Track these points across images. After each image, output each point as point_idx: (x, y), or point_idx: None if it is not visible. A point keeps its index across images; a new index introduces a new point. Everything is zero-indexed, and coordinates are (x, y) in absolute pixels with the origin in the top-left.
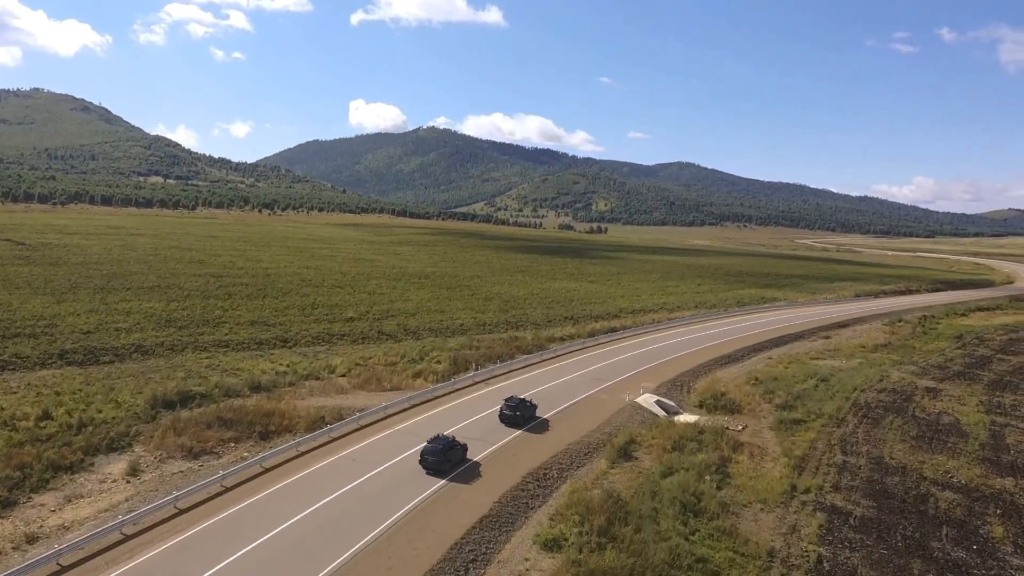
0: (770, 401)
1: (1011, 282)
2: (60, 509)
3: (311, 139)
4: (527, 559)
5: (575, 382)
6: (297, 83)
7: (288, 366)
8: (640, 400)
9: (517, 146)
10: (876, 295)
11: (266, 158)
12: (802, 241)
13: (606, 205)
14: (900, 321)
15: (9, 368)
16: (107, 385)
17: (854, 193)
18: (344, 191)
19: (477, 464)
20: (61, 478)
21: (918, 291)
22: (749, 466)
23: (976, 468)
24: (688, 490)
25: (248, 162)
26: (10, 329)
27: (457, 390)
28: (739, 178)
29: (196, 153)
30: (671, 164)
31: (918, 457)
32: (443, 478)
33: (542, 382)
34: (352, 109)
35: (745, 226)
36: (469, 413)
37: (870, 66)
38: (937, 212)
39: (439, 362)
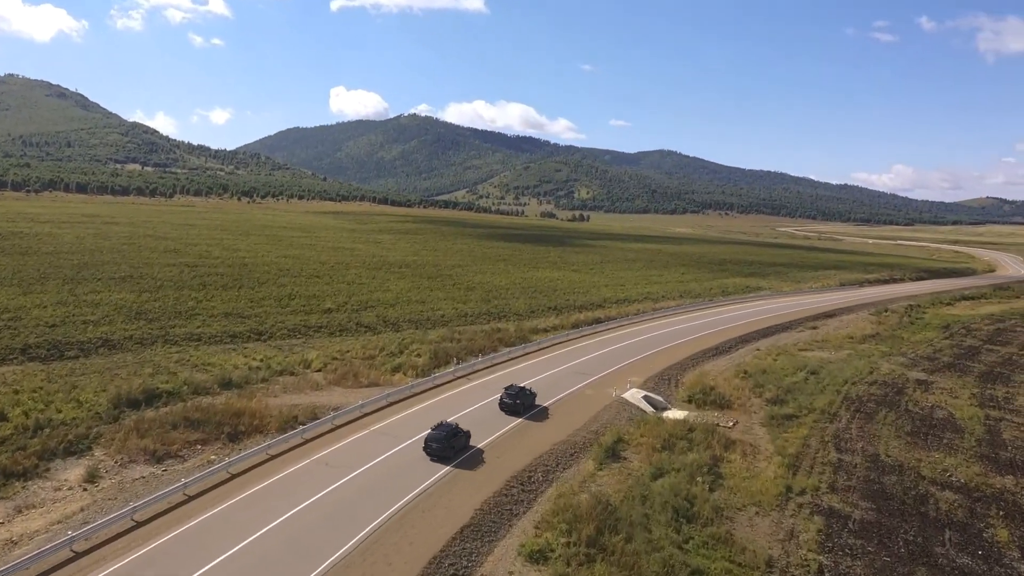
0: (760, 395)
1: (992, 270)
2: (9, 521)
3: (291, 126)
4: (511, 572)
5: (560, 377)
6: (277, 70)
7: (262, 361)
8: (627, 395)
9: (499, 133)
10: (861, 284)
11: (246, 145)
12: (784, 229)
13: (588, 193)
14: (887, 311)
15: None
16: (70, 383)
17: (834, 181)
18: (325, 179)
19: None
20: (13, 485)
21: (902, 280)
22: (742, 466)
23: (975, 466)
24: (680, 493)
25: (228, 149)
26: None
27: (437, 386)
28: (721, 166)
29: (175, 140)
30: (653, 152)
31: (914, 454)
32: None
33: (526, 377)
34: (333, 96)
35: (727, 214)
36: (450, 411)
37: (850, 54)
38: (916, 200)
39: (419, 355)
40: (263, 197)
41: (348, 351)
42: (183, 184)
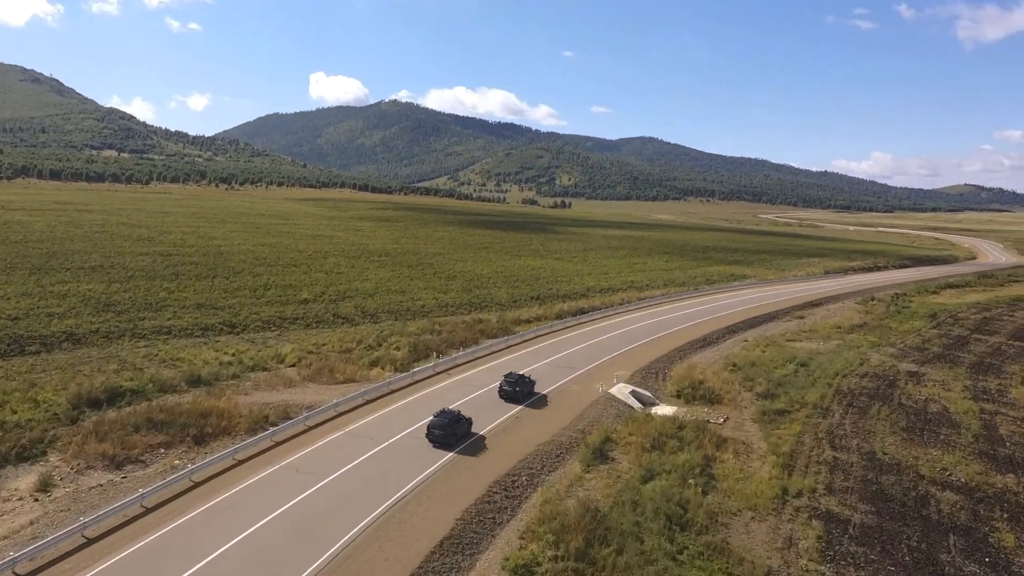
0: (750, 389)
1: (973, 257)
2: None
3: (271, 112)
4: None
5: (544, 371)
6: (256, 55)
7: (233, 355)
8: (614, 391)
9: (480, 120)
10: (845, 272)
11: (225, 131)
12: (765, 216)
13: (570, 180)
14: (873, 300)
15: None
16: (28, 380)
17: (814, 168)
18: (305, 165)
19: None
20: None
21: (886, 267)
22: (735, 466)
23: (974, 464)
24: (672, 499)
25: (206, 135)
26: None
27: (417, 382)
28: (702, 153)
29: (152, 126)
30: (634, 139)
31: (911, 452)
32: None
33: (508, 371)
34: (312, 82)
35: (708, 200)
36: (429, 409)
37: (830, 42)
38: (895, 187)
39: (398, 348)
40: (242, 184)
41: (324, 344)
42: (160, 171)
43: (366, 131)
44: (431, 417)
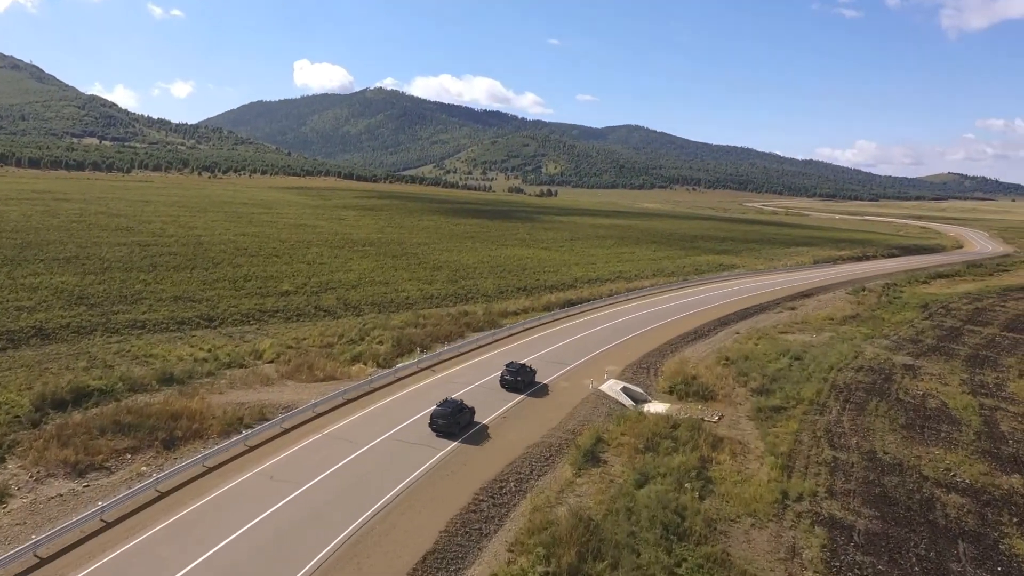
0: (745, 385)
1: (960, 246)
2: None
3: (255, 100)
4: None
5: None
6: (240, 42)
7: (209, 351)
8: (605, 387)
9: (466, 108)
10: (835, 261)
11: (208, 119)
12: (751, 204)
13: (556, 168)
14: (864, 290)
15: None
16: None
17: (799, 156)
18: (289, 153)
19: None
20: None
21: (874, 257)
22: (732, 467)
23: (978, 464)
24: (668, 505)
25: (189, 123)
26: None
27: (400, 379)
28: (688, 141)
29: (134, 114)
30: (620, 127)
31: (913, 451)
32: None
33: (496, 367)
34: (297, 69)
35: (694, 189)
36: (413, 409)
37: (815, 30)
38: (879, 176)
39: (381, 343)
40: (225, 172)
41: (305, 338)
42: (142, 159)
43: (351, 119)
44: (434, 407)
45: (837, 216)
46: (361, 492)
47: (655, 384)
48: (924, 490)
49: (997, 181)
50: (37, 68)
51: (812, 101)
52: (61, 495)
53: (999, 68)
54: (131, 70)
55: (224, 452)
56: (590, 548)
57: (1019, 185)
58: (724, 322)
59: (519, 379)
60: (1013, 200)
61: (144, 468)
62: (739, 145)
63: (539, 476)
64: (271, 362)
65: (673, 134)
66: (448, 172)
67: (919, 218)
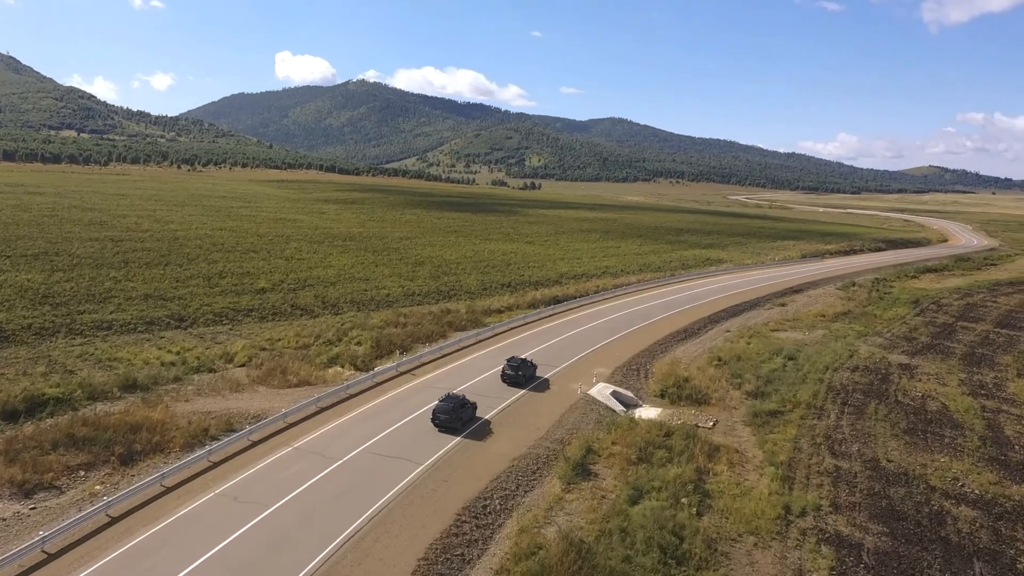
0: (739, 387)
1: (945, 240)
2: None
3: (236, 92)
4: None
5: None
6: (220, 34)
7: (178, 354)
8: (594, 392)
9: (449, 100)
10: (822, 256)
11: (189, 111)
12: (734, 197)
13: (540, 161)
14: (854, 285)
15: None
16: None
17: (782, 150)
18: (271, 146)
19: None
20: None
21: (861, 250)
22: (730, 479)
23: (986, 472)
24: (665, 525)
25: (169, 115)
26: None
27: (378, 384)
28: (671, 134)
29: (113, 106)
30: (604, 119)
31: (917, 458)
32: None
33: (480, 370)
34: (279, 61)
35: (678, 182)
36: (389, 420)
37: (798, 24)
38: (861, 169)
39: (359, 344)
40: (205, 165)
41: (280, 339)
42: (120, 152)
43: (333, 111)
44: (436, 402)
45: (820, 209)
46: (333, 514)
47: (646, 387)
48: (933, 502)
49: (977, 174)
50: (13, 59)
51: (794, 95)
52: (4, 519)
53: (979, 62)
54: (111, 62)
55: (185, 469)
56: None
57: (998, 178)
58: (714, 320)
59: (520, 374)
60: (993, 193)
61: (98, 487)
62: (722, 138)
63: (526, 492)
64: (242, 366)
65: (657, 127)
66: (431, 165)
67: (902, 211)
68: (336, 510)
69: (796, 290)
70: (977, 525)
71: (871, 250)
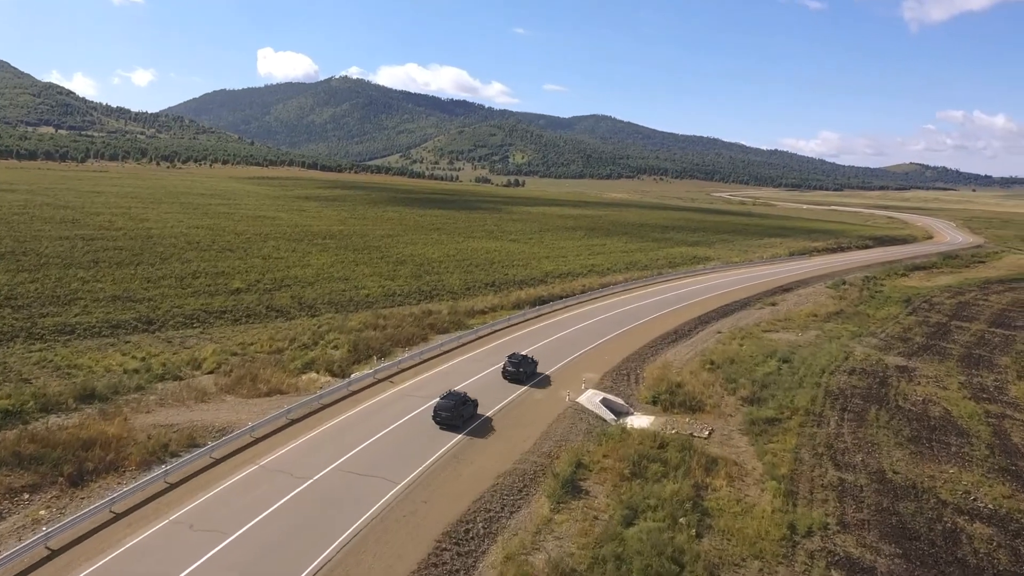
0: (733, 392)
1: (931, 237)
2: None
3: (218, 88)
4: None
5: (497, 379)
6: (202, 30)
7: (143, 360)
8: (583, 399)
9: (432, 97)
10: (810, 253)
11: (170, 108)
12: (718, 194)
13: (523, 158)
14: (844, 284)
15: None
16: None
17: (764, 147)
18: (252, 143)
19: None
20: None
21: (849, 248)
22: (729, 495)
23: (998, 485)
24: (663, 550)
25: (149, 112)
26: None
27: (353, 393)
28: (654, 131)
29: (92, 102)
30: (587, 117)
31: (924, 469)
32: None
33: (463, 375)
34: (260, 58)
35: (662, 179)
36: (363, 433)
37: (779, 21)
38: (843, 166)
39: (336, 347)
40: (184, 162)
41: (252, 343)
42: (98, 148)
43: (316, 108)
44: (437, 399)
45: (804, 206)
46: (299, 544)
47: (637, 393)
48: (946, 519)
49: (957, 171)
50: None
51: (777, 92)
52: None
53: (959, 60)
54: (90, 58)
55: (139, 491)
56: None
57: (978, 175)
58: (704, 320)
59: (521, 370)
60: (973, 190)
61: (43, 512)
62: (705, 135)
63: (512, 513)
64: (211, 373)
65: (640, 124)
66: (414, 162)
67: (885, 208)
68: (303, 539)
69: (786, 289)
70: (994, 544)
71: (858, 247)
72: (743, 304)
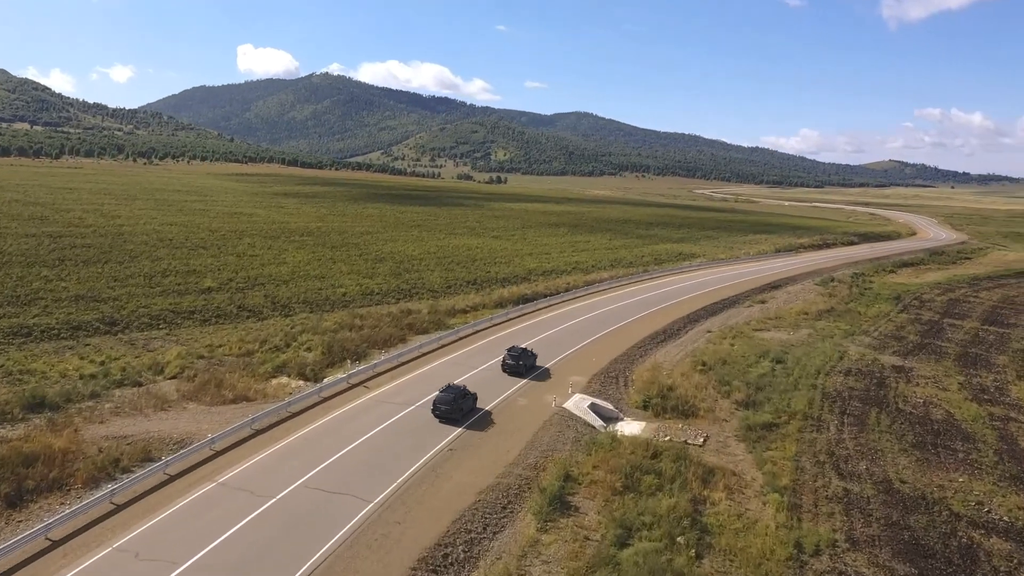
0: (727, 395)
1: (914, 233)
2: None
3: (198, 85)
4: None
5: (484, 379)
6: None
7: (101, 364)
8: (570, 405)
9: (414, 94)
10: (796, 250)
11: (149, 104)
12: (700, 191)
13: (505, 155)
14: (833, 281)
15: None
16: None
17: (745, 144)
18: (232, 139)
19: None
20: None
21: (834, 244)
22: (730, 510)
23: (1011, 495)
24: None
25: (128, 108)
26: None
27: (325, 400)
28: (636, 128)
29: (68, 98)
30: (569, 114)
31: (932, 477)
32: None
33: (443, 379)
34: (240, 54)
35: (644, 176)
36: (334, 445)
37: (760, 19)
38: (823, 163)
39: (309, 349)
40: (162, 158)
41: (221, 345)
42: (74, 144)
43: (297, 105)
44: (437, 392)
45: (786, 203)
46: (263, 572)
47: (626, 397)
48: (960, 533)
49: (936, 168)
50: None
51: (757, 89)
52: None
53: (936, 59)
54: (68, 54)
55: (82, 514)
56: None
57: (956, 172)
58: (693, 319)
59: (521, 363)
60: (952, 187)
61: None
62: (686, 132)
63: (495, 534)
64: (173, 378)
65: (621, 121)
66: (396, 159)
67: (866, 204)
68: (262, 568)
69: (774, 286)
70: (1015, 562)
71: (844, 244)
72: (732, 302)
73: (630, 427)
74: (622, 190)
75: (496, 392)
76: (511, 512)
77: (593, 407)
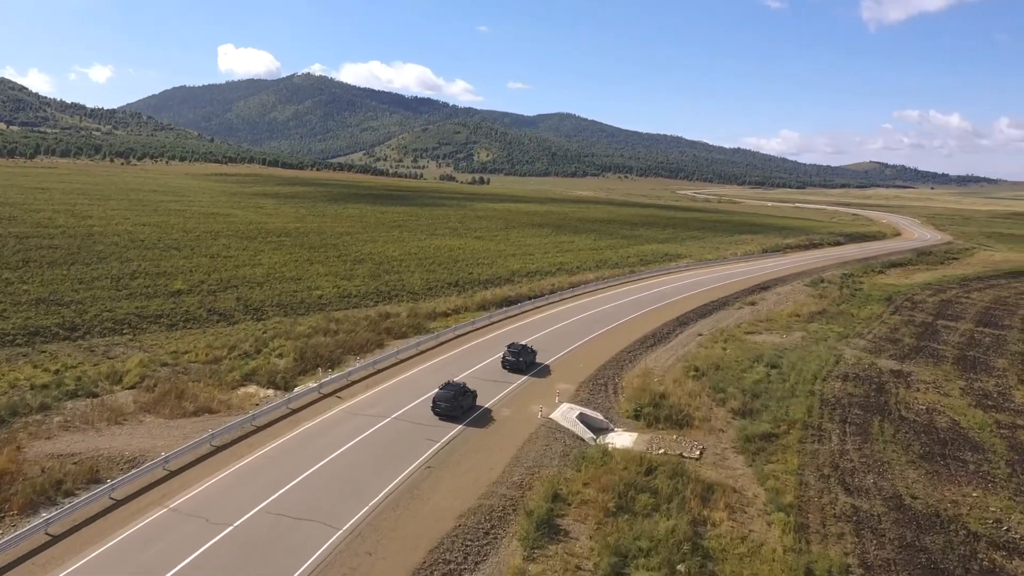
0: (723, 403)
1: (898, 234)
2: None
3: (178, 85)
4: None
5: (469, 385)
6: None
7: (56, 373)
8: (557, 415)
9: (396, 94)
10: (783, 250)
11: (128, 104)
12: (683, 192)
13: (488, 156)
14: (823, 282)
15: None
16: None
17: (727, 145)
18: (212, 140)
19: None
20: None
21: (821, 244)
22: (732, 532)
23: None
24: None
25: (106, 108)
26: None
27: (294, 412)
28: (619, 129)
29: (45, 97)
30: (552, 115)
31: (944, 493)
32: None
33: (422, 389)
34: (221, 54)
35: (626, 177)
36: (302, 463)
37: (740, 21)
38: (804, 164)
39: (281, 356)
40: (140, 159)
41: (187, 352)
42: (49, 144)
43: (278, 105)
44: (436, 390)
45: (769, 204)
46: None
47: (616, 406)
48: (980, 555)
49: (915, 169)
50: None
51: (738, 91)
52: None
53: (915, 60)
54: (45, 53)
55: (11, 547)
56: None
57: (935, 173)
58: (683, 321)
59: (521, 360)
60: (932, 188)
61: None
62: (668, 133)
63: (476, 564)
64: (132, 387)
65: (604, 122)
66: (378, 160)
67: (848, 205)
68: None
69: (764, 287)
70: None
71: (831, 244)
72: (722, 304)
73: (621, 439)
74: (605, 191)
75: (484, 400)
76: (495, 538)
77: (582, 417)
